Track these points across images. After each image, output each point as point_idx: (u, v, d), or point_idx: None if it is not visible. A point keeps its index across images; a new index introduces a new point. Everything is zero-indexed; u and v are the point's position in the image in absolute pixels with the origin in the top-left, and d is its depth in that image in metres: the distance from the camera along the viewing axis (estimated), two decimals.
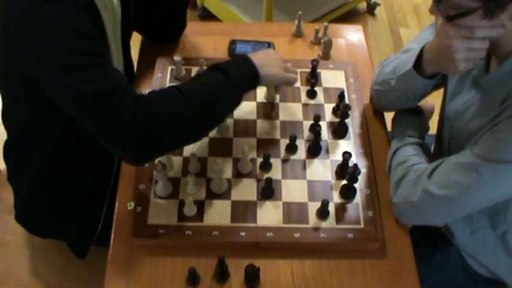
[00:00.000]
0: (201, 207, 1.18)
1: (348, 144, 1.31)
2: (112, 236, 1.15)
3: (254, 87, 1.21)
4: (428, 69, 1.15)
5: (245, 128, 1.33)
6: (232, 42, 1.54)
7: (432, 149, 1.43)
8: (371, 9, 3.08)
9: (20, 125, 1.26)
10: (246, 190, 1.21)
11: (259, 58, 1.19)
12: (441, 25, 1.03)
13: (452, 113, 1.21)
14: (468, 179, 1.03)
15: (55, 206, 1.33)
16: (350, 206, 1.20)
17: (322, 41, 1.52)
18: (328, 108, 1.38)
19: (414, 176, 1.13)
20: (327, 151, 1.29)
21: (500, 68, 1.04)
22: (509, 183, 1.03)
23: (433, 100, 1.47)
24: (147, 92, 1.12)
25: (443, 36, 1.03)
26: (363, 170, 1.24)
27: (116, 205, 1.20)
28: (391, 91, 1.26)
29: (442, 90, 1.32)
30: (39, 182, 1.31)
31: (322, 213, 1.16)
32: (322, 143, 1.29)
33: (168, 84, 1.41)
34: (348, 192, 1.20)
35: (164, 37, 1.52)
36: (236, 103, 1.17)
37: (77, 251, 1.36)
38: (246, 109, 1.36)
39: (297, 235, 1.14)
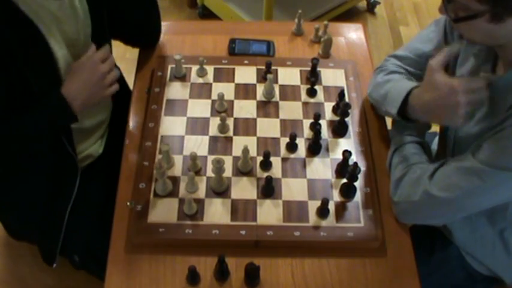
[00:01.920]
0: (201, 205, 1.18)
1: (348, 143, 1.31)
2: (112, 234, 1.15)
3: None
4: (414, 117, 1.16)
5: (245, 126, 1.33)
6: (232, 41, 1.54)
7: (435, 148, 1.42)
8: (371, 8, 3.08)
9: None
10: (246, 189, 1.21)
11: (77, 93, 1.17)
12: (443, 79, 1.03)
13: None
14: (470, 184, 1.03)
15: (18, 211, 1.34)
16: (350, 205, 1.20)
17: (322, 39, 1.52)
18: (328, 106, 1.38)
19: (415, 175, 1.13)
20: (327, 150, 1.29)
21: (508, 74, 1.03)
22: (511, 189, 1.03)
23: None
24: None
25: (449, 93, 1.02)
26: (363, 169, 1.24)
27: (116, 204, 1.20)
28: (385, 111, 1.27)
29: None
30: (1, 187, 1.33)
31: (322, 211, 1.16)
32: (322, 142, 1.29)
33: (168, 83, 1.41)
34: (348, 191, 1.20)
35: (142, 43, 1.50)
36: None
37: (45, 258, 1.37)
38: (246, 108, 1.36)
39: (297, 233, 1.14)
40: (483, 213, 1.22)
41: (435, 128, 1.42)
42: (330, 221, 1.17)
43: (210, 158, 1.25)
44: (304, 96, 1.40)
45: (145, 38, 1.48)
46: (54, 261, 1.34)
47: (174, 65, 1.43)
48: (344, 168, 1.22)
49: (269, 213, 1.17)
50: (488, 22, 0.93)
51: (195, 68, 1.44)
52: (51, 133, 1.20)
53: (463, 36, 1.04)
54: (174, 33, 1.57)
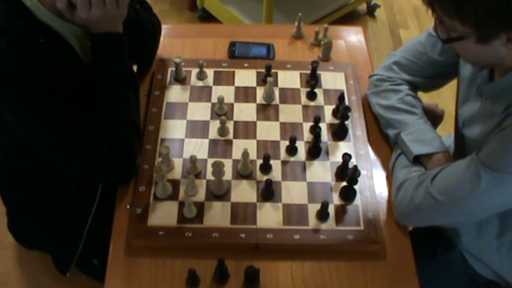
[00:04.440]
0: (200, 208, 1.18)
1: (348, 146, 1.31)
2: (112, 237, 1.15)
3: (118, 42, 1.21)
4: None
5: (245, 129, 1.33)
6: (232, 44, 1.54)
7: (452, 150, 1.41)
8: (371, 11, 3.08)
9: (2, 150, 1.30)
10: (246, 192, 1.21)
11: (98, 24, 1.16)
12: None
13: (461, 120, 1.21)
14: (468, 185, 1.02)
15: (37, 223, 1.35)
16: (350, 208, 1.20)
17: (322, 42, 1.52)
18: (328, 109, 1.38)
19: (418, 179, 1.13)
20: (327, 153, 1.29)
21: (504, 78, 1.04)
22: (510, 191, 1.03)
23: (435, 100, 1.48)
24: None
25: None
26: (363, 172, 1.24)
27: (116, 207, 1.20)
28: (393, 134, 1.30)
29: (446, 93, 1.32)
30: (22, 200, 1.34)
31: (322, 214, 1.16)
32: (322, 145, 1.29)
33: (168, 86, 1.41)
34: (347, 194, 1.20)
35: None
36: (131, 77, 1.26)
37: (58, 267, 1.37)
38: (246, 111, 1.37)
39: (297, 237, 1.14)
40: (494, 218, 1.21)
41: (448, 131, 1.42)
42: (330, 224, 1.17)
43: (210, 161, 1.25)
44: (304, 99, 1.40)
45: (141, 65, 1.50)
46: (68, 271, 1.35)
47: (174, 68, 1.43)
48: (344, 172, 1.22)
49: (269, 217, 1.17)
50: (475, 43, 0.96)
51: (195, 71, 1.44)
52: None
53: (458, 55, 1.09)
54: (174, 37, 1.58)
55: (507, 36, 0.92)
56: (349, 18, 2.98)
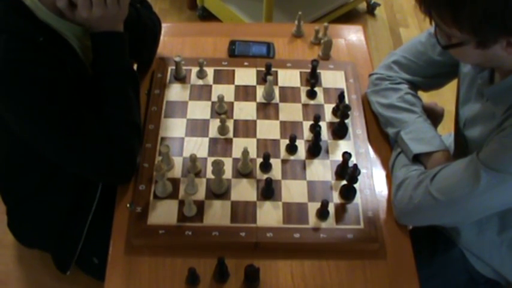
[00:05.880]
0: (200, 207, 1.18)
1: (348, 145, 1.31)
2: (112, 236, 1.15)
3: (119, 39, 1.20)
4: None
5: (245, 128, 1.33)
6: (232, 43, 1.54)
7: (452, 149, 1.41)
8: (371, 10, 3.08)
9: (2, 150, 1.30)
10: (246, 190, 1.21)
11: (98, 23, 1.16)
12: None
13: (462, 120, 1.21)
14: (467, 185, 1.03)
15: (37, 222, 1.35)
16: (350, 207, 1.19)
17: (322, 41, 1.52)
18: (328, 108, 1.38)
19: (418, 179, 1.13)
20: (327, 151, 1.29)
21: (504, 81, 1.04)
22: (509, 191, 1.03)
23: (435, 99, 1.48)
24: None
25: None
26: (363, 171, 1.24)
27: (116, 205, 1.20)
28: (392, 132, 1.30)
29: (446, 93, 1.31)
30: (22, 199, 1.34)
31: (322, 213, 1.16)
32: (322, 143, 1.29)
33: (168, 84, 1.41)
34: (347, 193, 1.20)
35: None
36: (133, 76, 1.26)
37: (58, 265, 1.37)
38: (246, 109, 1.37)
39: (297, 235, 1.14)
40: (494, 216, 1.21)
41: (448, 130, 1.42)
42: (330, 222, 1.17)
43: (210, 159, 1.25)
44: (304, 98, 1.40)
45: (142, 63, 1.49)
46: (68, 269, 1.35)
47: (174, 67, 1.43)
48: (344, 170, 1.22)
49: (269, 215, 1.17)
50: (475, 48, 0.96)
51: (195, 70, 1.44)
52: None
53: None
54: (174, 35, 1.58)
55: (506, 40, 0.92)
56: (349, 17, 2.98)
